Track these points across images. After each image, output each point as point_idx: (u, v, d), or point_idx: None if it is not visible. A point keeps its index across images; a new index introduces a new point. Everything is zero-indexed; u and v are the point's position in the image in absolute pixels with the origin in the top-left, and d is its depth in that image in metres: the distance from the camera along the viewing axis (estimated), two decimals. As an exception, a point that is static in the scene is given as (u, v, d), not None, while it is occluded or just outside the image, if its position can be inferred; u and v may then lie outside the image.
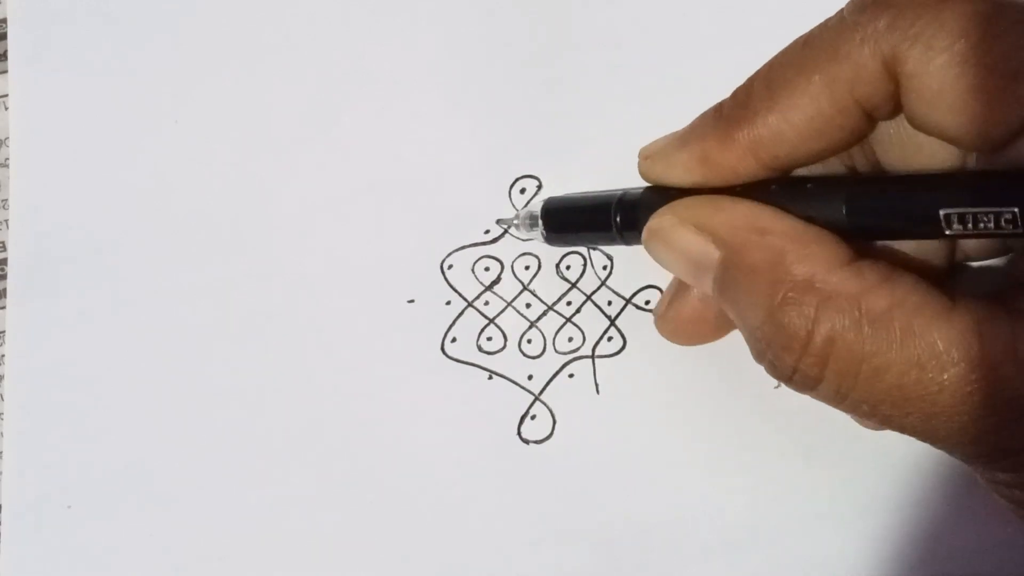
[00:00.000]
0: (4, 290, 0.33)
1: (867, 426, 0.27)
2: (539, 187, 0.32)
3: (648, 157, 0.26)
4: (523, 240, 0.31)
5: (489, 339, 0.31)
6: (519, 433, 0.30)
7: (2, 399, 0.32)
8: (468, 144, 0.32)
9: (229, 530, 0.30)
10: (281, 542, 0.30)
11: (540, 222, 0.29)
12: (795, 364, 0.23)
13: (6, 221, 0.33)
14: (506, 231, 0.32)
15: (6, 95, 0.34)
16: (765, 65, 0.24)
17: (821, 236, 0.23)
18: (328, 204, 0.32)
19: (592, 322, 0.31)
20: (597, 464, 0.30)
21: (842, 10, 0.23)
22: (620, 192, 0.27)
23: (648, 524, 0.29)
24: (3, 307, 0.33)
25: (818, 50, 0.23)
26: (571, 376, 0.31)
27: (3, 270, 0.33)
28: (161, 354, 0.32)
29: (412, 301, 0.31)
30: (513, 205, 0.32)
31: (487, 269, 0.32)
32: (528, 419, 0.30)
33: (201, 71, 0.34)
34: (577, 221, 0.28)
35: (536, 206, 0.29)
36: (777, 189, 0.24)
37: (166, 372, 0.32)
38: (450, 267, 0.32)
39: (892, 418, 0.22)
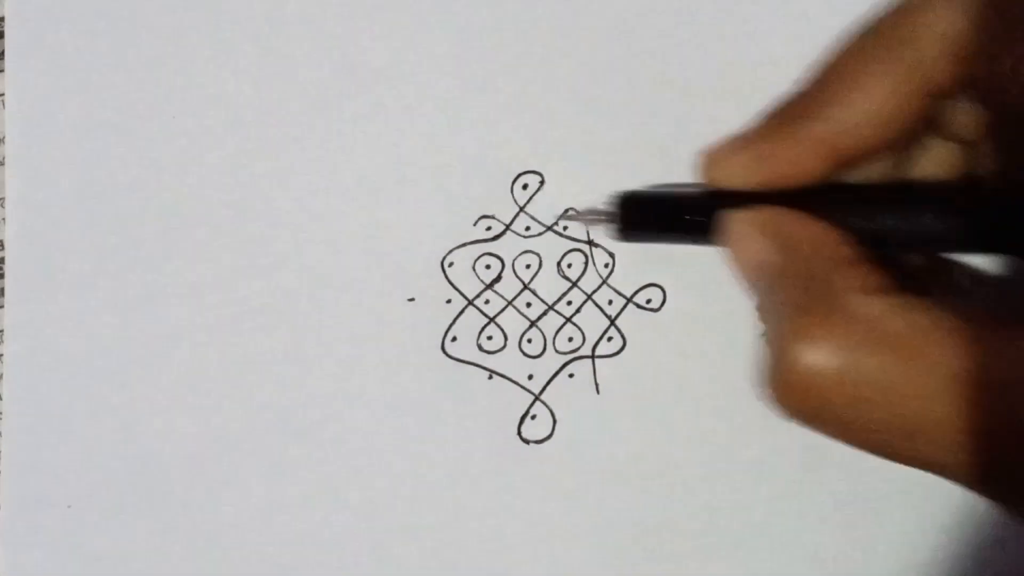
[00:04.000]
0: (3, 289, 0.33)
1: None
2: (541, 183, 0.32)
3: (708, 159, 0.25)
4: (586, 236, 0.31)
5: (489, 338, 0.31)
6: (519, 433, 0.30)
7: (2, 399, 0.32)
8: (470, 140, 0.32)
9: (229, 530, 0.30)
10: (280, 541, 0.30)
11: (614, 217, 0.27)
12: (788, 383, 0.22)
13: (3, 219, 0.33)
14: (545, 225, 0.31)
15: (3, 93, 0.34)
16: (829, 56, 0.23)
17: (866, 260, 0.23)
18: (328, 201, 0.32)
19: (592, 322, 0.31)
20: (597, 464, 0.30)
21: None
22: (697, 191, 0.26)
23: (648, 524, 0.29)
24: (2, 306, 0.33)
25: (887, 38, 0.22)
26: (571, 376, 0.30)
27: (1, 269, 0.33)
28: (161, 353, 0.32)
29: (412, 299, 0.31)
30: (515, 201, 0.32)
31: (488, 267, 0.31)
32: (528, 419, 0.30)
33: (200, 69, 0.33)
34: (651, 217, 0.27)
35: (608, 200, 0.28)
36: (840, 199, 0.24)
37: (166, 371, 0.32)
38: (451, 265, 0.31)
39: (902, 450, 0.22)
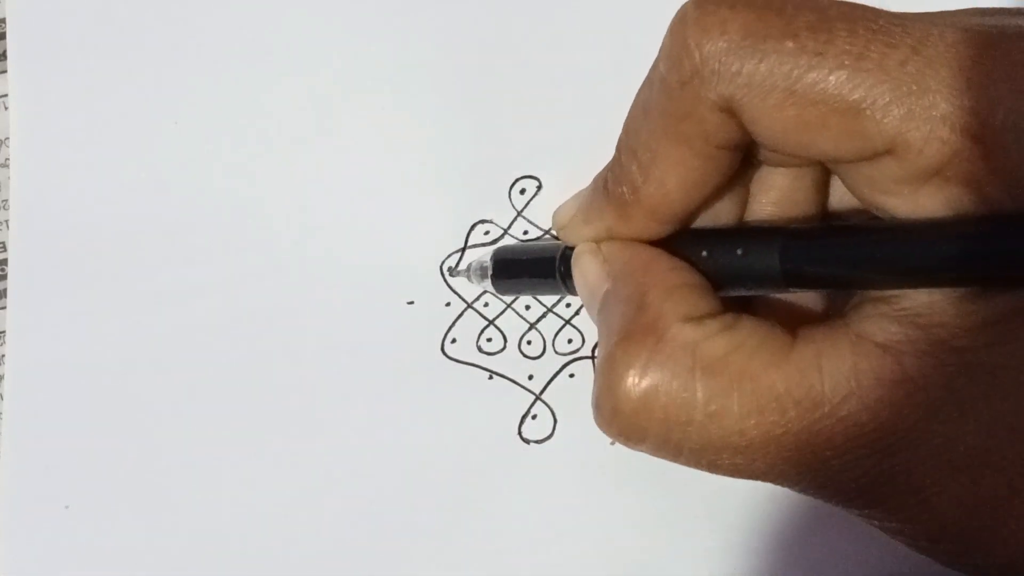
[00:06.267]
0: (4, 290, 0.33)
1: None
2: (539, 187, 0.32)
3: (561, 229, 0.26)
4: (476, 286, 0.31)
5: (489, 340, 0.31)
6: (520, 433, 0.30)
7: (2, 399, 0.32)
8: (468, 145, 0.32)
9: (228, 530, 0.30)
10: (280, 542, 0.30)
11: (489, 271, 0.29)
12: (614, 407, 0.22)
13: (6, 221, 0.33)
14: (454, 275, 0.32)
15: (6, 95, 0.34)
16: (622, 134, 0.24)
17: (693, 286, 0.23)
18: (328, 205, 0.32)
19: (591, 323, 0.31)
20: (597, 464, 0.30)
21: (658, 66, 0.22)
22: (564, 245, 0.27)
23: (648, 524, 0.29)
24: (3, 307, 0.33)
25: (660, 115, 0.22)
26: (571, 376, 0.31)
27: (3, 270, 0.33)
28: (160, 354, 0.32)
29: (412, 302, 0.31)
30: (513, 206, 0.32)
31: (487, 270, 0.32)
32: (529, 419, 0.30)
33: (201, 71, 0.34)
34: (524, 271, 0.29)
35: (486, 257, 0.30)
36: (704, 247, 0.24)
37: (166, 372, 0.32)
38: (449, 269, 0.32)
39: (739, 467, 0.22)
